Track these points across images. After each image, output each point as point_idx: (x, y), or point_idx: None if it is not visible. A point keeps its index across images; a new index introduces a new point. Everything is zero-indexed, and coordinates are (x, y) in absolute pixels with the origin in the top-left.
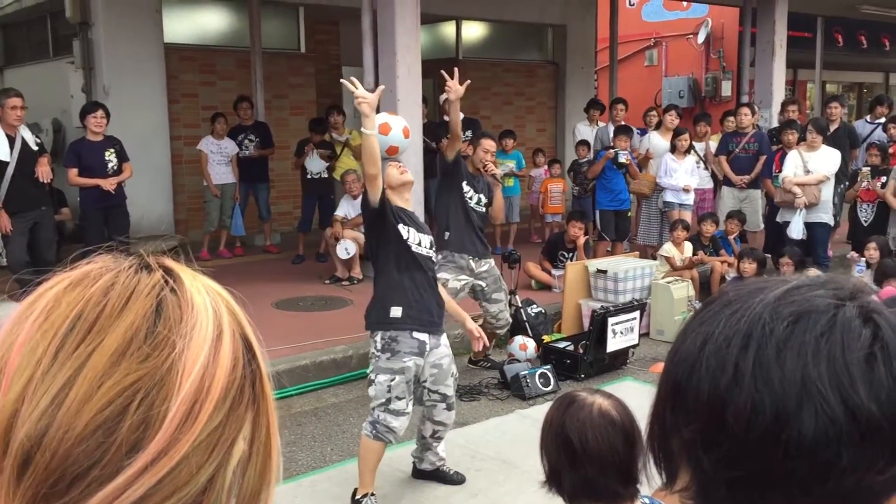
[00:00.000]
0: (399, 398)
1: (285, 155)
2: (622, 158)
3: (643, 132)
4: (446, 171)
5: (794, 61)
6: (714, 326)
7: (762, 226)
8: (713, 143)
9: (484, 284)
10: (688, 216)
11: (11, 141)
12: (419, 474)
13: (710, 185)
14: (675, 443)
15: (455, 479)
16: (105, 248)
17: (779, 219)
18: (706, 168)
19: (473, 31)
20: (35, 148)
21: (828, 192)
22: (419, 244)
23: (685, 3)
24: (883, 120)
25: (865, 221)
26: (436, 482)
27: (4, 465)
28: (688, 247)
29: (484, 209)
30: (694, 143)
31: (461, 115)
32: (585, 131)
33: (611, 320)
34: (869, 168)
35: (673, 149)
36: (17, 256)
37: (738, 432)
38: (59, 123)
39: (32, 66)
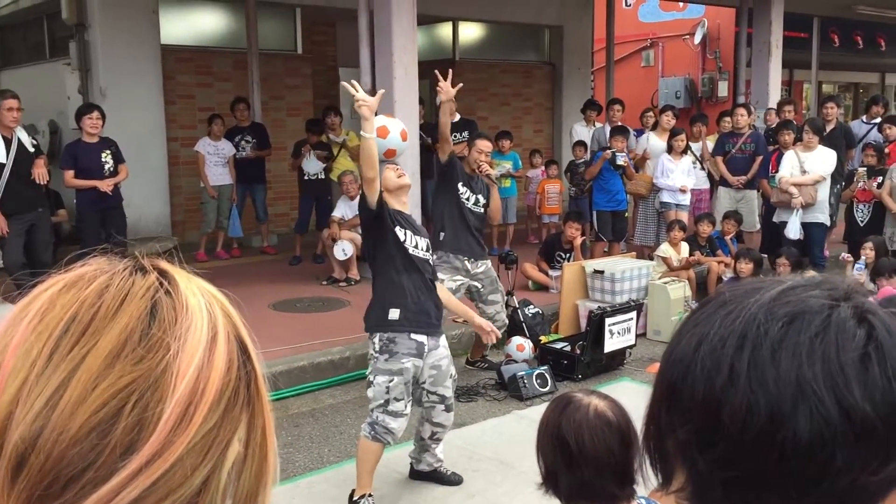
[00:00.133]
0: (397, 399)
1: (282, 156)
2: (620, 161)
3: (639, 133)
4: (441, 172)
5: (790, 62)
6: (709, 327)
7: (759, 226)
8: (710, 143)
9: (480, 286)
10: (684, 217)
11: (8, 142)
12: (416, 475)
13: (706, 185)
14: (670, 443)
15: (452, 480)
16: (101, 250)
17: (775, 219)
18: (702, 168)
19: (470, 31)
20: (31, 149)
21: (824, 193)
22: (416, 247)
23: (681, 4)
24: (879, 120)
25: (862, 221)
26: (433, 483)
27: None
28: (684, 247)
29: (482, 210)
30: (690, 143)
31: (458, 117)
32: (582, 132)
33: (608, 321)
34: (865, 168)
35: (669, 149)
36: (13, 258)
37: (734, 433)
38: (56, 125)
39: (29, 67)
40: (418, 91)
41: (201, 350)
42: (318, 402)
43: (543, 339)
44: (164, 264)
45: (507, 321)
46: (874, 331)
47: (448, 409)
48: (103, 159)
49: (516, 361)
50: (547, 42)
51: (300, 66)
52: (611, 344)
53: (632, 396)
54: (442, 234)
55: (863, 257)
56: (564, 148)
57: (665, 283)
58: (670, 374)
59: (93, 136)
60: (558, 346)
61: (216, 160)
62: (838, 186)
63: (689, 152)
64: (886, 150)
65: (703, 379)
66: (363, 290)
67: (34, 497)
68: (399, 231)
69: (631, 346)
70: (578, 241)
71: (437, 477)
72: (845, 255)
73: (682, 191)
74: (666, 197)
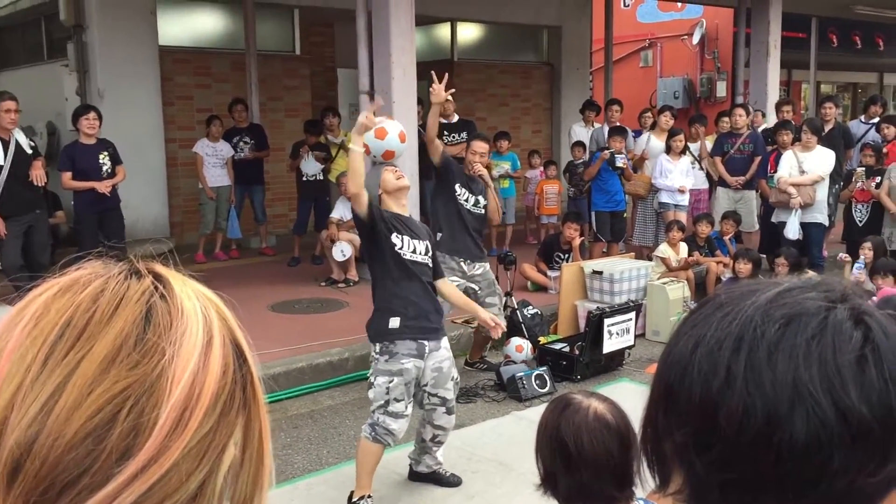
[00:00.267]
0: (397, 400)
1: (280, 157)
2: (619, 163)
3: (638, 134)
4: (436, 173)
5: (788, 62)
6: (706, 329)
7: (757, 226)
8: (708, 143)
9: (477, 288)
10: (683, 217)
11: (5, 144)
12: (415, 476)
13: (705, 185)
14: (667, 445)
15: (452, 482)
16: (97, 252)
17: (774, 219)
18: (701, 168)
19: (469, 32)
20: (29, 151)
21: (823, 193)
22: (414, 251)
23: (680, 4)
24: (877, 120)
25: (860, 221)
26: (432, 484)
27: None
28: (683, 248)
29: (482, 211)
30: (688, 143)
31: (456, 117)
32: (581, 132)
33: (607, 321)
34: (864, 168)
35: (668, 150)
36: (11, 260)
37: (730, 435)
38: (54, 126)
39: (26, 68)
40: (417, 92)
41: (196, 354)
42: (316, 404)
43: (542, 339)
44: (159, 268)
45: (504, 326)
46: (871, 332)
47: (449, 412)
48: (101, 161)
49: (515, 362)
50: (545, 42)
51: (298, 67)
52: (610, 345)
53: (631, 397)
54: (439, 234)
55: (862, 257)
56: (563, 148)
57: (664, 283)
58: (667, 377)
59: (90, 137)
60: (557, 346)
61: (215, 161)
62: (837, 186)
63: (687, 152)
64: (885, 150)
65: (699, 381)
66: (362, 292)
67: (30, 502)
68: (396, 238)
69: (630, 347)
70: (577, 241)
71: (436, 478)
72: (843, 255)
73: (681, 191)
74: (664, 197)
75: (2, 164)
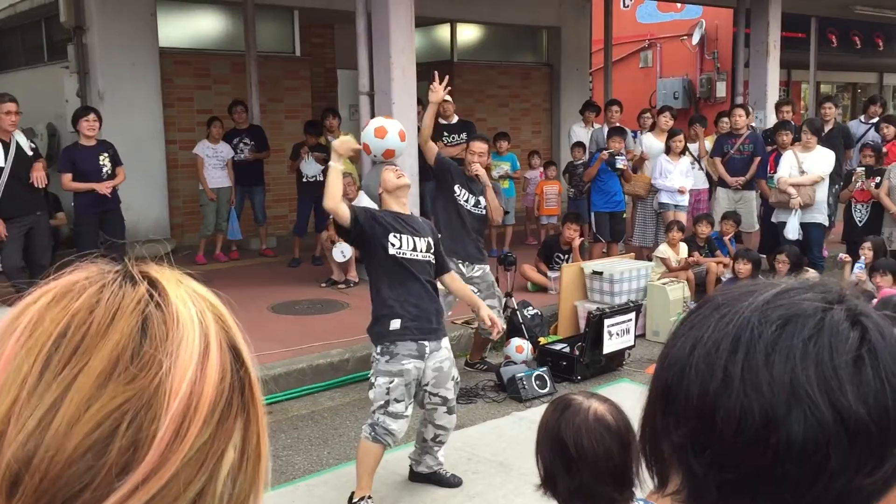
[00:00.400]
0: (398, 401)
1: (281, 158)
2: (620, 164)
3: (637, 135)
4: (434, 174)
5: (788, 62)
6: (703, 330)
7: (757, 226)
8: (708, 143)
9: (476, 290)
10: (683, 217)
11: (6, 146)
12: (416, 477)
13: (705, 185)
14: (665, 446)
15: (452, 482)
16: (95, 255)
17: (774, 219)
18: (701, 168)
19: (468, 33)
20: (30, 153)
21: (822, 193)
22: (413, 249)
23: (679, 5)
24: (876, 120)
25: (860, 221)
26: (433, 485)
27: None
28: (683, 248)
29: (483, 211)
30: (687, 144)
31: (456, 118)
32: (581, 133)
33: (607, 322)
34: (863, 168)
35: (668, 150)
36: (12, 262)
37: (728, 436)
38: (54, 128)
39: (27, 70)
40: (417, 92)
41: (193, 365)
42: (317, 405)
43: (542, 340)
44: (153, 272)
45: (503, 326)
46: (867, 333)
47: (450, 412)
48: (101, 162)
49: (515, 363)
50: (545, 43)
51: (298, 68)
52: (610, 345)
53: (631, 398)
54: (439, 236)
55: (862, 257)
56: (563, 149)
57: (664, 283)
58: (665, 378)
59: (90, 138)
60: (557, 347)
61: (215, 163)
62: (836, 186)
63: (687, 153)
64: (884, 150)
65: (697, 382)
66: (362, 292)
67: None
68: (394, 238)
69: (630, 348)
70: (577, 242)
71: (437, 479)
72: (843, 256)
73: (681, 192)
74: (664, 198)
75: (2, 165)
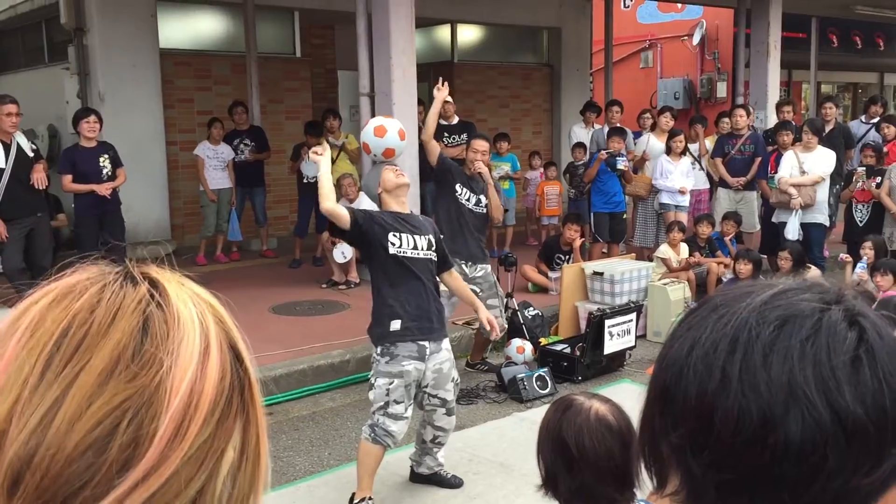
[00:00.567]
0: (397, 402)
1: (281, 159)
2: (620, 165)
3: (637, 135)
4: (435, 174)
5: (788, 62)
6: (701, 331)
7: (758, 227)
8: (708, 144)
9: (478, 290)
10: (684, 218)
11: (7, 147)
12: (417, 478)
13: (706, 185)
14: (664, 447)
15: (453, 483)
16: (96, 256)
17: (775, 220)
18: (701, 168)
19: (468, 34)
20: (31, 154)
21: (823, 193)
22: (414, 247)
23: (680, 5)
24: (877, 120)
25: (861, 221)
26: (434, 486)
27: None
28: (684, 248)
29: (484, 210)
30: (688, 144)
31: (456, 119)
32: (581, 134)
33: (607, 322)
34: (864, 168)
35: (668, 150)
36: (13, 263)
37: (726, 437)
38: (55, 129)
39: (27, 72)
40: (417, 93)
41: (194, 364)
42: (318, 406)
43: (543, 341)
44: (154, 273)
45: (505, 325)
46: (865, 333)
47: (449, 413)
48: (101, 163)
49: (516, 363)
50: (545, 44)
51: (299, 69)
52: (611, 346)
53: (632, 398)
54: (441, 236)
55: (864, 257)
56: (563, 150)
57: (664, 284)
58: (663, 378)
59: (90, 140)
60: (558, 347)
61: (216, 164)
62: (837, 187)
63: (687, 153)
64: (885, 150)
65: (695, 383)
66: (363, 293)
67: None
68: (394, 237)
69: (631, 348)
70: (578, 242)
71: (438, 480)
72: (844, 256)
73: (682, 192)
74: (665, 198)
75: (3, 167)
